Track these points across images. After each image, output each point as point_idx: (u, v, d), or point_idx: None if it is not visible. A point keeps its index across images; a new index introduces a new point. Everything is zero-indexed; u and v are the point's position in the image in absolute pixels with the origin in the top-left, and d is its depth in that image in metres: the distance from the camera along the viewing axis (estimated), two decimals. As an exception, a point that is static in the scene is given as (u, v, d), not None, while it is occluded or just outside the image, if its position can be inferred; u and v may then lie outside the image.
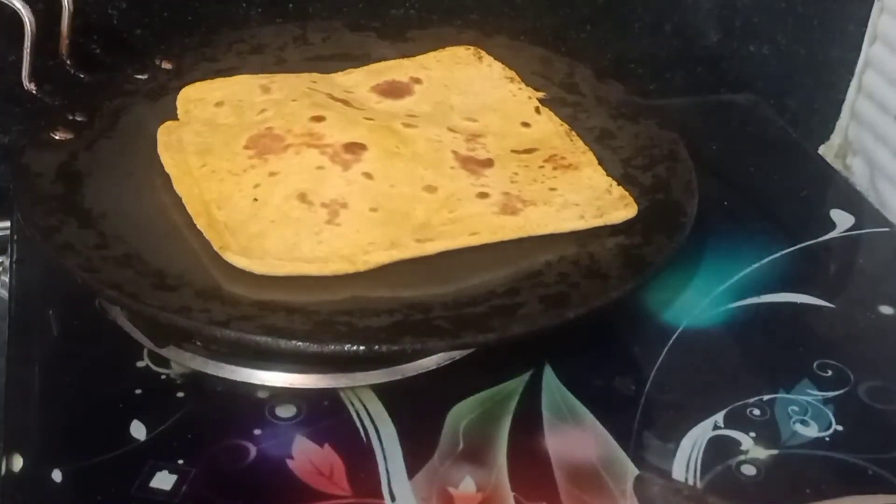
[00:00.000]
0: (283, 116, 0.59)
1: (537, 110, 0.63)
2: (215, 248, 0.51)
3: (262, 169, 0.55)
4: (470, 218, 0.54)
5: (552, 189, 0.56)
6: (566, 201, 0.55)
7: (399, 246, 0.52)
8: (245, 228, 0.52)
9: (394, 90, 0.64)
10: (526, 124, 0.62)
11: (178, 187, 0.55)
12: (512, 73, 0.66)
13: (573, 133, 0.61)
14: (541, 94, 0.65)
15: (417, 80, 0.65)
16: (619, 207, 0.55)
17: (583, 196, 0.56)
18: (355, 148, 0.56)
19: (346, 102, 0.61)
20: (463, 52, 0.67)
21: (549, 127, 0.62)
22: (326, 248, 0.51)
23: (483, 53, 0.67)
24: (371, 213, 0.53)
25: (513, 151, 0.59)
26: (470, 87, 0.65)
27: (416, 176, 0.56)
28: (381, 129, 0.58)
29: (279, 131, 0.57)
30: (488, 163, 0.58)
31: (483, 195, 0.55)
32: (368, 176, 0.55)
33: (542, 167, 0.58)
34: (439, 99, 0.64)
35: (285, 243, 0.51)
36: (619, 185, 0.57)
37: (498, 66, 0.67)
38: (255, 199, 0.53)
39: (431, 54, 0.67)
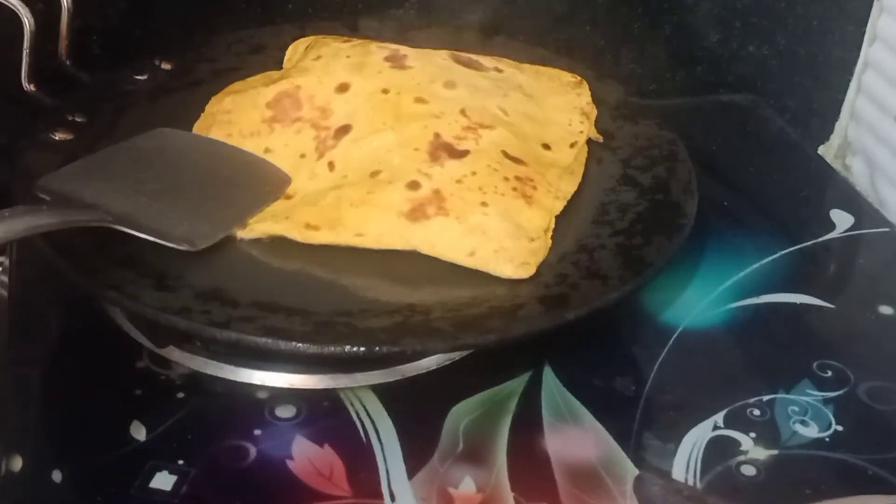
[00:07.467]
0: (317, 77, 0.59)
1: (571, 146, 0.59)
2: None
3: (264, 138, 0.57)
4: (374, 209, 0.52)
5: (483, 204, 0.53)
6: (480, 224, 0.52)
7: (292, 220, 0.52)
8: None
9: (463, 61, 0.62)
10: (546, 146, 0.58)
11: None
12: (591, 110, 0.63)
13: (574, 180, 0.58)
14: (598, 138, 0.62)
15: (498, 70, 0.63)
16: (516, 261, 0.51)
17: (502, 228, 0.52)
18: (341, 133, 0.56)
19: (393, 61, 0.60)
20: (566, 77, 0.65)
21: (559, 159, 0.58)
22: None
23: (585, 85, 0.64)
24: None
25: (502, 152, 0.56)
26: (539, 98, 0.62)
27: (375, 159, 0.55)
28: (383, 103, 0.57)
29: (303, 95, 0.58)
30: (460, 154, 0.55)
31: (415, 185, 0.53)
32: (331, 166, 0.56)
33: (506, 180, 0.54)
34: (501, 85, 0.61)
35: None
36: (546, 241, 0.53)
37: (586, 98, 0.64)
38: None
39: (537, 66, 0.65)
